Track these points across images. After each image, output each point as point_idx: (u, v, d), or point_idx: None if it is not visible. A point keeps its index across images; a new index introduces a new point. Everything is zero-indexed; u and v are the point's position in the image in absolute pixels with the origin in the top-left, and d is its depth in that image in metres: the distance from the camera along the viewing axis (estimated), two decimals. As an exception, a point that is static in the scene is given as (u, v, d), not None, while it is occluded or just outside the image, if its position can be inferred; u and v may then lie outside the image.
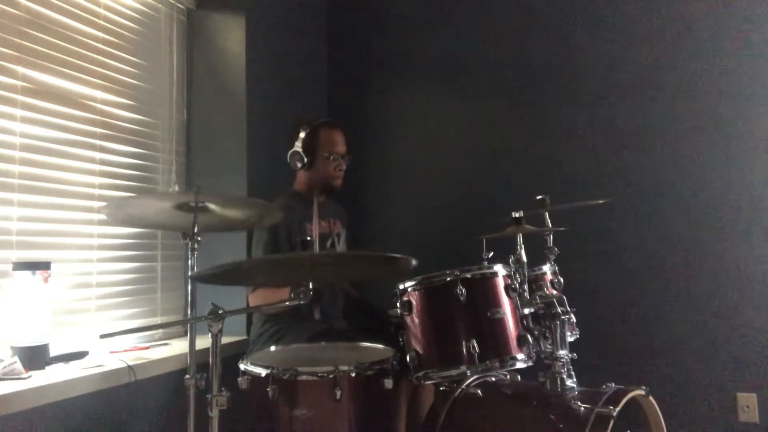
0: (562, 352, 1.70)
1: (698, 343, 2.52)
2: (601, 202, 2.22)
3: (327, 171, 2.29)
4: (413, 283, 1.78)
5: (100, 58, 2.10)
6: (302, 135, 2.25)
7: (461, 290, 1.70)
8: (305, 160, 2.25)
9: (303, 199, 2.33)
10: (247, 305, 2.20)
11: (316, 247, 1.49)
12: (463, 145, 2.98)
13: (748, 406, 2.43)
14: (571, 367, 1.72)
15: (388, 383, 1.60)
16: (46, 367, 1.68)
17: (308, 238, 1.39)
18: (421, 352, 1.74)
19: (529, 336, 1.72)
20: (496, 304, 1.73)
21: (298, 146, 2.25)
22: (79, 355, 1.80)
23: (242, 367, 1.66)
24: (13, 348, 1.64)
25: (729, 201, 2.52)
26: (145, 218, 1.70)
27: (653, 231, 2.62)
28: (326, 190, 2.35)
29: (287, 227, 2.15)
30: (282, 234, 2.14)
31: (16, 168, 1.78)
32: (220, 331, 1.35)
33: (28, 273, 1.66)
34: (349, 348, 1.90)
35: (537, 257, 2.05)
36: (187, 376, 1.51)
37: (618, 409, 1.51)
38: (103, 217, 2.04)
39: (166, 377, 1.94)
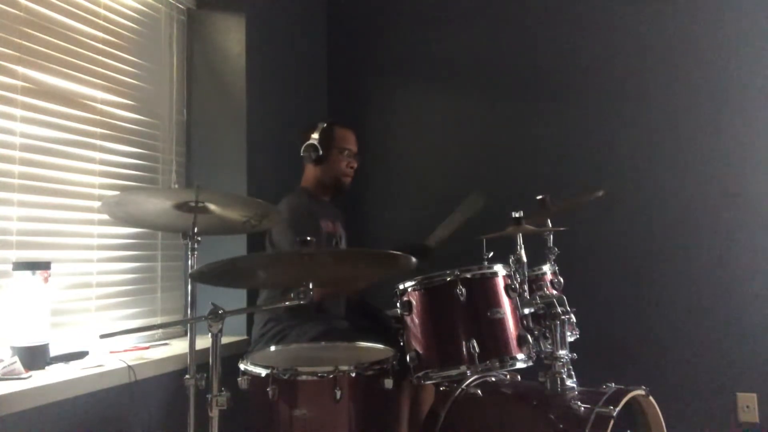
0: (562, 352, 1.70)
1: (698, 343, 2.52)
2: (600, 194, 2.21)
3: (340, 166, 2.34)
4: (413, 283, 1.77)
5: (100, 58, 2.10)
6: (319, 129, 2.31)
7: (461, 290, 1.70)
8: (320, 152, 2.29)
9: (311, 196, 2.33)
10: (248, 305, 2.20)
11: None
12: (463, 145, 2.98)
13: (748, 406, 2.43)
14: (571, 367, 1.72)
15: (388, 383, 1.60)
16: (46, 367, 1.68)
17: (309, 238, 1.39)
18: (421, 352, 1.73)
19: (529, 336, 1.71)
20: (496, 304, 1.72)
21: (314, 139, 2.29)
22: (79, 355, 1.80)
23: (242, 367, 1.66)
24: (13, 348, 1.64)
25: (729, 201, 2.52)
26: (145, 218, 1.70)
27: (653, 231, 2.62)
28: (336, 188, 2.38)
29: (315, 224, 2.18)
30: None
31: (16, 168, 1.78)
32: (220, 331, 1.36)
33: (28, 273, 1.66)
34: (349, 348, 1.90)
35: (537, 257, 2.05)
36: (187, 376, 1.51)
37: (618, 409, 1.51)
38: (103, 217, 2.04)
39: (166, 377, 1.94)
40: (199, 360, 1.56)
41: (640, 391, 1.64)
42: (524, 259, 1.84)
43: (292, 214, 2.15)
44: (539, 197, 2.07)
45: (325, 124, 2.33)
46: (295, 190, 2.34)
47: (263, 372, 1.57)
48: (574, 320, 1.98)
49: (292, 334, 2.07)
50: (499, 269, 1.78)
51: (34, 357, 1.65)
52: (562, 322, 1.71)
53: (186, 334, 2.32)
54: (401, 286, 1.80)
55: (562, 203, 2.13)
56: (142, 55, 2.30)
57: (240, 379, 1.62)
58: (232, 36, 2.53)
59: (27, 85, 1.82)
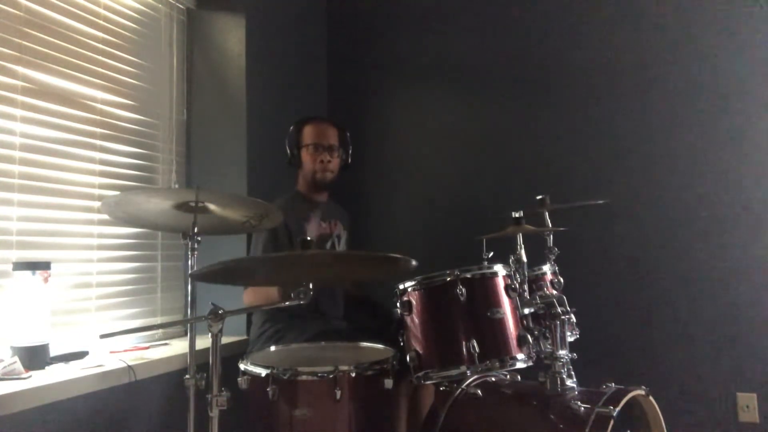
0: (562, 352, 1.70)
1: (698, 343, 2.52)
2: (600, 202, 2.22)
3: (310, 164, 2.27)
4: (413, 283, 1.77)
5: (100, 58, 2.10)
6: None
7: (461, 290, 1.70)
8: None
9: (303, 198, 2.32)
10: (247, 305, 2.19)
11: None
12: (463, 145, 2.98)
13: (748, 406, 2.43)
14: (571, 367, 1.72)
15: (388, 383, 1.60)
16: (46, 367, 1.68)
17: (309, 238, 1.39)
18: (421, 352, 1.73)
19: (529, 336, 1.72)
20: (496, 304, 1.73)
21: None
22: (79, 355, 1.80)
23: (242, 367, 1.66)
24: (13, 348, 1.64)
25: (728, 202, 2.51)
26: (145, 218, 1.70)
27: (653, 231, 2.61)
28: (317, 187, 2.32)
29: (287, 227, 2.14)
30: (282, 234, 2.14)
31: (16, 168, 1.78)
32: (220, 331, 1.36)
33: (28, 273, 1.66)
34: (349, 348, 1.90)
35: (537, 257, 2.05)
36: (187, 376, 1.51)
37: (618, 409, 1.51)
38: (103, 217, 2.04)
39: (166, 377, 1.94)
40: (199, 360, 1.56)
41: (640, 391, 1.64)
42: (524, 259, 1.84)
43: None
44: (539, 197, 2.07)
45: (294, 125, 2.32)
46: (288, 193, 2.34)
47: (263, 372, 1.57)
48: (574, 320, 1.98)
49: (289, 335, 2.07)
50: (499, 269, 1.78)
51: (34, 357, 1.65)
52: (562, 322, 1.71)
53: (186, 334, 2.32)
54: (401, 286, 1.80)
55: (563, 209, 2.13)
56: (142, 55, 2.30)
57: (240, 379, 1.62)
58: (232, 36, 2.53)
59: (27, 85, 1.82)
